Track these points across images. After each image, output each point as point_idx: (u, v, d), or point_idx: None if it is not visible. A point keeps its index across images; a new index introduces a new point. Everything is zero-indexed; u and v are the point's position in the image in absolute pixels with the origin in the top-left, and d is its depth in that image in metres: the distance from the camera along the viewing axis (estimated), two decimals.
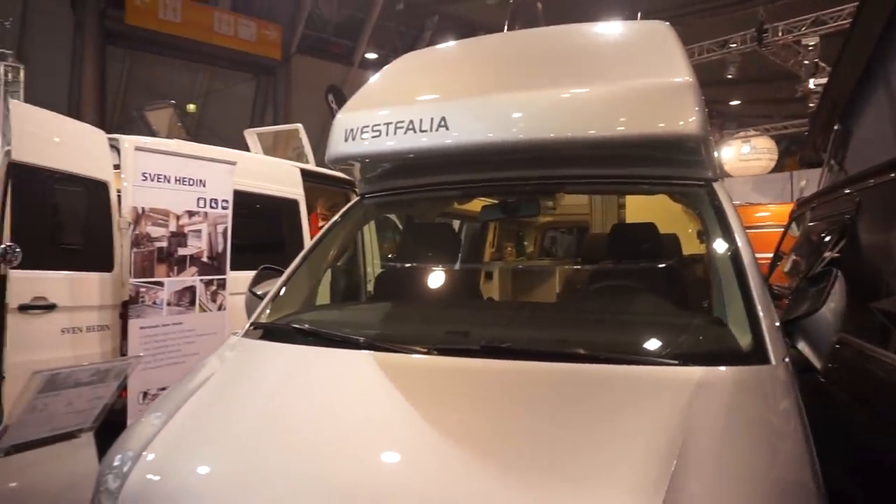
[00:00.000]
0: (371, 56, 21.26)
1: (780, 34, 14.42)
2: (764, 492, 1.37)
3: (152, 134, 5.78)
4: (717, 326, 2.02)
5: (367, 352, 2.02)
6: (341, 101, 16.45)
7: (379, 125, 2.43)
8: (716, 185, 2.38)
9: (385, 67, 2.84)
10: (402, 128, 2.40)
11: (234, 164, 5.03)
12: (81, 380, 2.34)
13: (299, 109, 17.87)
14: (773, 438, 1.52)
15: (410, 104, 2.44)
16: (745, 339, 1.83)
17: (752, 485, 1.36)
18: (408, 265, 2.92)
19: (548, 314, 2.47)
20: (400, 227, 3.22)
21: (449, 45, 2.84)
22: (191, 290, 4.74)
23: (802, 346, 1.90)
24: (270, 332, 2.34)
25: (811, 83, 14.28)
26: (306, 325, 2.28)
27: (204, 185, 4.77)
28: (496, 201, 3.08)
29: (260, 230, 6.04)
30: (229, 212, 4.99)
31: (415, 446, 1.54)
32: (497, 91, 2.33)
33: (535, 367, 1.81)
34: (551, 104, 2.23)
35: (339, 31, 20.91)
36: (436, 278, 2.76)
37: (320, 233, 2.82)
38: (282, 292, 2.53)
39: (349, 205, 2.90)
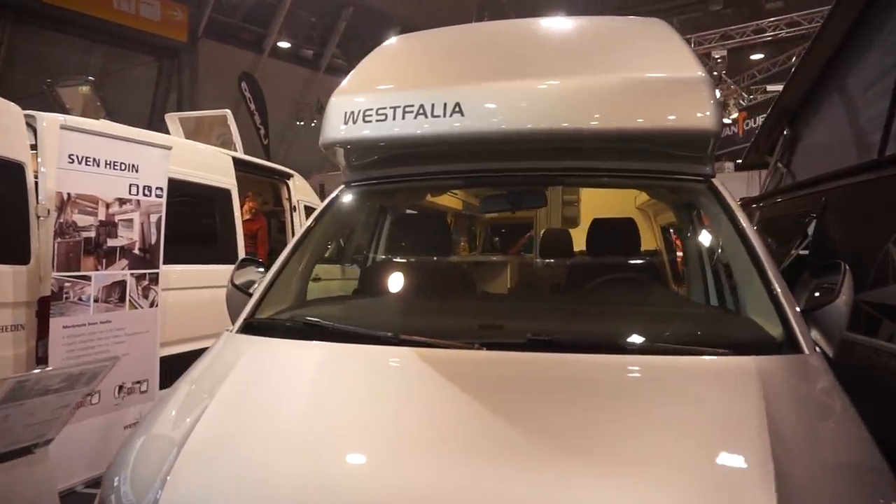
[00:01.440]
0: (283, 45, 20.51)
1: (692, 45, 15.39)
2: (859, 476, 1.39)
3: (65, 112, 5.19)
4: (747, 318, 2.05)
5: (405, 349, 1.87)
6: (256, 91, 15.76)
7: (384, 109, 2.29)
8: (715, 181, 2.43)
9: (379, 49, 2.68)
10: (411, 112, 2.27)
11: (169, 148, 4.63)
12: (51, 386, 2.01)
13: (207, 96, 16.90)
14: (844, 423, 1.55)
15: (420, 88, 2.31)
16: (776, 330, 1.87)
17: (848, 469, 1.38)
18: (409, 258, 2.77)
19: (576, 306, 2.41)
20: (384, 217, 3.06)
21: (452, 29, 2.72)
22: (121, 284, 4.31)
23: (815, 336, 1.96)
24: (273, 328, 2.13)
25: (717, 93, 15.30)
26: (328, 321, 2.06)
27: (137, 171, 4.35)
28: (498, 192, 3.00)
29: (191, 221, 5.62)
30: (163, 200, 4.59)
31: (495, 449, 1.43)
32: (516, 78, 2.25)
33: (587, 359, 1.75)
34: (573, 93, 2.19)
35: (249, 17, 20.01)
36: (439, 270, 2.64)
37: (308, 223, 2.61)
38: (271, 285, 2.32)
39: (333, 193, 2.72)
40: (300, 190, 7.67)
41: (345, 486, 1.35)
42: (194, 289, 5.33)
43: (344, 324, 2.04)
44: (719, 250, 2.36)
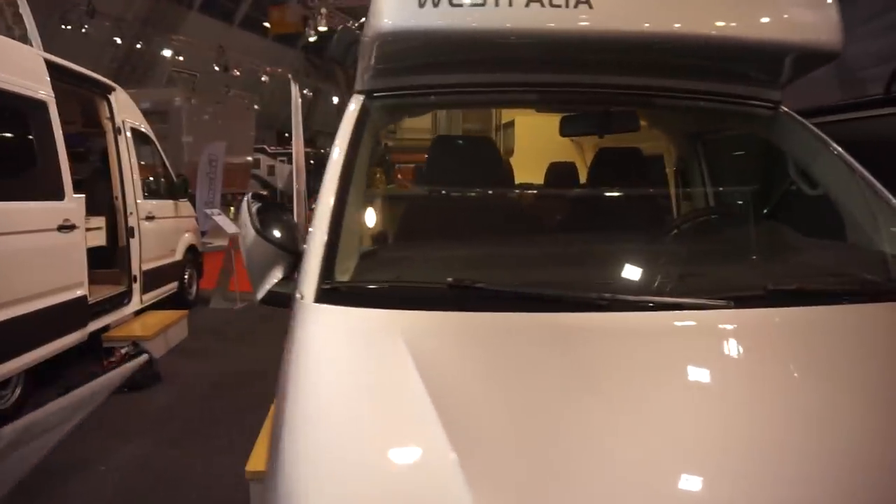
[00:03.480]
0: None
1: None
2: None
3: None
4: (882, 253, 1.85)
5: (591, 314, 1.34)
6: None
7: None
8: (785, 108, 2.22)
9: None
10: None
11: None
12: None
13: None
14: None
15: None
16: None
17: None
18: (468, 191, 2.09)
19: (700, 251, 2.01)
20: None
21: None
22: None
23: None
24: (383, 295, 1.44)
25: None
26: (479, 283, 1.40)
27: None
28: (576, 112, 2.42)
29: None
30: None
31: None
32: None
33: (758, 314, 1.41)
34: None
35: None
36: (512, 206, 2.05)
37: (338, 148, 1.83)
38: (336, 236, 1.57)
39: (355, 106, 1.95)
40: (124, 107, 6.13)
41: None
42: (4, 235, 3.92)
43: (491, 285, 1.41)
44: (816, 182, 2.15)
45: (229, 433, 3.93)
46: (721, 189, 2.35)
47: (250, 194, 1.73)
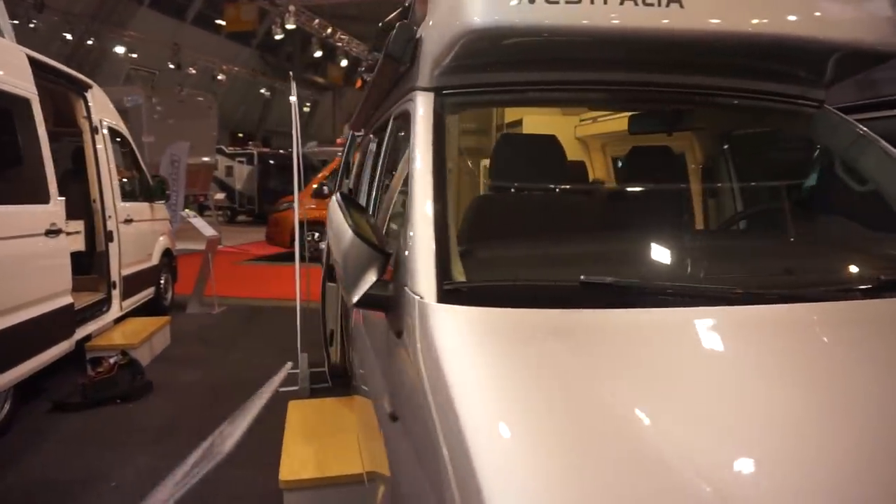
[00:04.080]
0: None
1: None
2: None
3: None
4: None
5: (704, 308, 1.37)
6: None
7: None
8: (828, 107, 2.29)
9: None
10: None
11: None
12: None
13: None
14: None
15: None
16: None
17: None
18: (538, 186, 2.05)
19: (799, 244, 2.04)
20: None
21: None
22: None
23: None
24: (518, 294, 1.43)
25: None
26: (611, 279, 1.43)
27: None
28: (643, 111, 2.41)
29: None
30: None
31: None
32: None
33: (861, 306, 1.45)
34: None
35: None
36: (582, 202, 2.04)
37: (421, 147, 1.77)
38: (446, 235, 1.53)
39: (424, 102, 1.89)
40: (101, 105, 5.86)
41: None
42: None
43: (625, 281, 1.40)
44: (866, 177, 2.21)
45: (243, 443, 3.79)
46: (779, 185, 2.41)
47: (339, 193, 1.66)
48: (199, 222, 7.60)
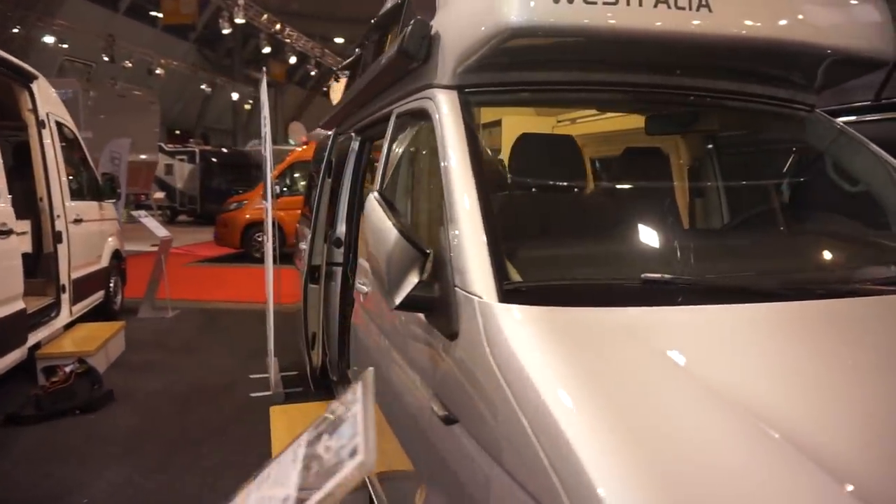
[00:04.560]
0: None
1: None
2: None
3: None
4: None
5: (747, 305, 1.41)
6: None
7: None
8: (819, 111, 2.40)
9: None
10: None
11: None
12: None
13: None
14: None
15: None
16: None
17: None
18: (564, 185, 2.04)
19: (794, 240, 2.10)
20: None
21: None
22: None
23: None
24: (584, 293, 1.44)
25: None
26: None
27: None
28: (661, 113, 2.43)
29: None
30: None
31: None
32: None
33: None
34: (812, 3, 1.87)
35: None
36: (630, 202, 2.04)
37: (455, 144, 1.73)
38: (496, 234, 1.52)
39: (453, 101, 1.85)
40: (47, 98, 5.51)
41: None
42: None
43: (689, 279, 1.43)
44: (858, 179, 2.32)
45: (218, 451, 3.64)
46: (790, 185, 2.50)
47: (377, 192, 1.61)
48: (150, 222, 7.26)
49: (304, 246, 3.93)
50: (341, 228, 3.76)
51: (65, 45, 18.28)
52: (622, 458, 0.98)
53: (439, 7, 2.19)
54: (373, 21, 3.35)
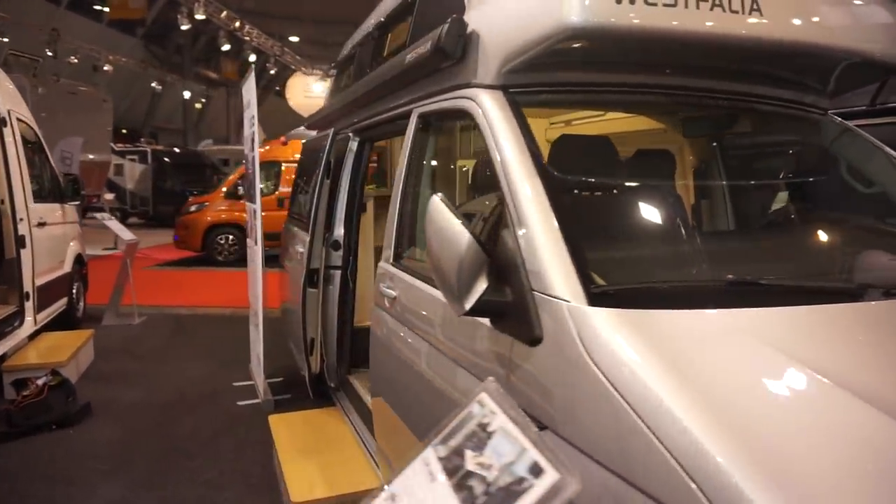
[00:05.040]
0: None
1: None
2: None
3: None
4: None
5: (818, 307, 1.44)
6: None
7: None
8: (831, 113, 2.46)
9: None
10: (706, 1, 1.70)
11: None
12: None
13: None
14: None
15: None
16: None
17: None
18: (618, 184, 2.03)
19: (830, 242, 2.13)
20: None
21: None
22: None
23: None
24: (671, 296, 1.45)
25: None
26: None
27: None
28: (700, 115, 2.43)
29: None
30: None
31: None
32: None
33: None
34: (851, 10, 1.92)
35: None
36: (669, 206, 2.03)
37: (512, 145, 1.68)
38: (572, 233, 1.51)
39: (500, 101, 1.81)
40: (8, 94, 5.19)
41: None
42: None
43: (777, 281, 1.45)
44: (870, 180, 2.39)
45: (213, 463, 3.49)
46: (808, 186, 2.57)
47: (440, 194, 1.55)
48: (115, 225, 6.94)
49: (301, 249, 3.80)
50: (339, 231, 3.66)
51: (5, 39, 17.34)
52: (765, 463, 0.98)
53: (472, 6, 2.15)
54: (382, 18, 3.28)
